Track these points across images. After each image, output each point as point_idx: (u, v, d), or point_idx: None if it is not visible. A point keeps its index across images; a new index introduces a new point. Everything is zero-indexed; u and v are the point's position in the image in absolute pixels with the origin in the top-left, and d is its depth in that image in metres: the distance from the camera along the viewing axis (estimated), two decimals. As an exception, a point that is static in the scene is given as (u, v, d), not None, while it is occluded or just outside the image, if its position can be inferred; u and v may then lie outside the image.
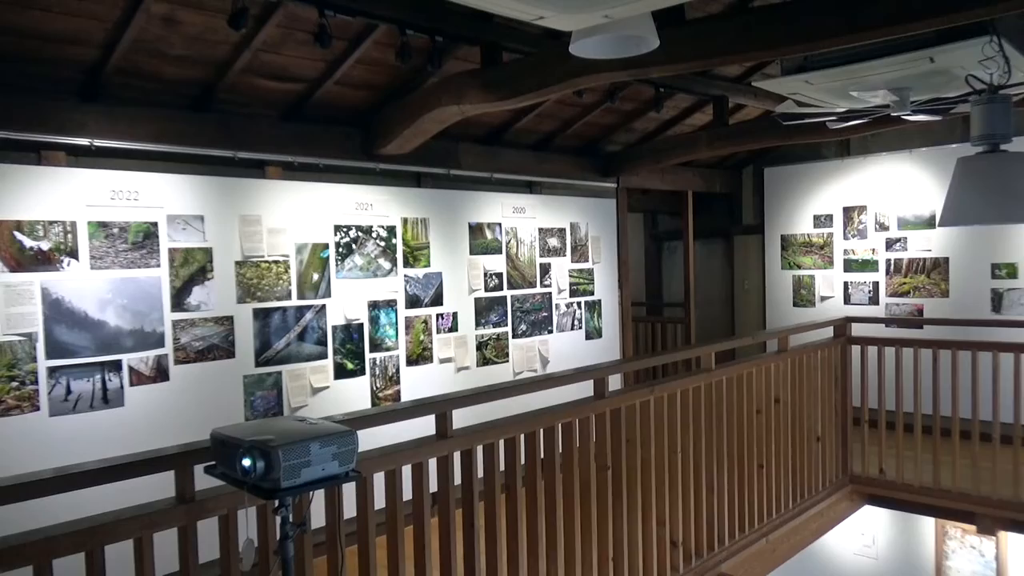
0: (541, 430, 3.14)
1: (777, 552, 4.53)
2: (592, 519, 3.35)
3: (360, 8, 3.64)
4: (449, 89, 4.09)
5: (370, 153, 4.75)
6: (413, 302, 5.06)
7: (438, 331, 5.20)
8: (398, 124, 4.48)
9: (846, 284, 7.10)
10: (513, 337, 5.72)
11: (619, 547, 3.48)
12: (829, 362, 5.07)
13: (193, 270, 4.04)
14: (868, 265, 6.95)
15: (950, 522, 5.78)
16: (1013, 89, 3.04)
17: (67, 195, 3.63)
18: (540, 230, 5.95)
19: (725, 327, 8.21)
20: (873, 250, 6.92)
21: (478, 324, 5.47)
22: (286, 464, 1.82)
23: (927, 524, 6.14)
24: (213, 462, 2.02)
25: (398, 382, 4.96)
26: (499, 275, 5.63)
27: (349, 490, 2.40)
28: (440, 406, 2.81)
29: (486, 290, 5.53)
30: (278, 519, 2.00)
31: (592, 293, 6.37)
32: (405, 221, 5.03)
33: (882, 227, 6.86)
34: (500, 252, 5.64)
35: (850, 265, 7.08)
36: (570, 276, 6.19)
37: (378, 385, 4.86)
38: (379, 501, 2.57)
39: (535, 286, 5.91)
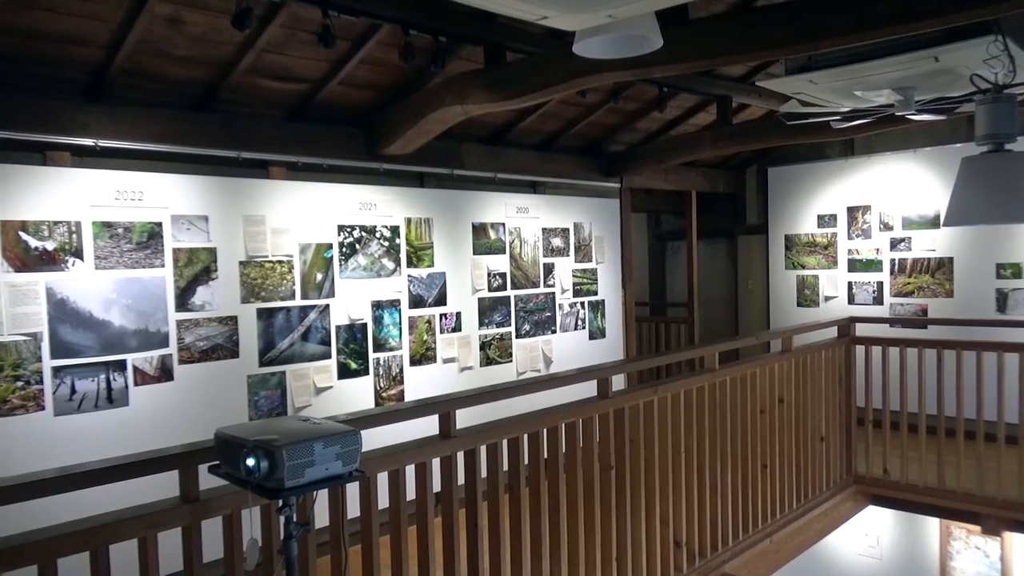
0: (544, 430, 3.14)
1: (781, 552, 4.52)
2: (596, 519, 3.35)
3: (364, 8, 3.64)
4: (452, 89, 4.09)
5: (374, 153, 4.76)
6: (417, 302, 5.07)
7: (442, 331, 5.21)
8: (401, 124, 4.48)
9: (850, 284, 7.09)
10: (516, 337, 5.72)
11: (623, 547, 3.48)
12: (833, 362, 5.06)
13: (197, 270, 4.05)
14: (872, 265, 6.94)
15: (954, 523, 5.77)
16: (1018, 88, 3.03)
17: (72, 195, 3.64)
18: (544, 230, 5.95)
19: (729, 327, 8.20)
20: (877, 250, 6.91)
21: (482, 324, 5.47)
22: (290, 464, 1.82)
23: (931, 525, 6.12)
24: (217, 462, 2.03)
25: (401, 382, 4.97)
26: (503, 275, 5.63)
27: (353, 490, 2.41)
28: (443, 406, 2.82)
29: (489, 290, 5.53)
30: (282, 519, 2.00)
31: (596, 293, 6.37)
32: (409, 221, 5.03)
33: (886, 227, 6.85)
34: (504, 252, 5.64)
35: (854, 265, 7.06)
36: (574, 276, 6.18)
37: (382, 385, 4.86)
38: (383, 501, 2.57)
39: (539, 286, 5.90)
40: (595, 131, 6.12)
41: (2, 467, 3.24)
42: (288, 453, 1.82)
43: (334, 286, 4.63)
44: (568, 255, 6.14)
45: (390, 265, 4.93)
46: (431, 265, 5.16)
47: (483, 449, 2.91)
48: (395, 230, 4.95)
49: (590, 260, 6.33)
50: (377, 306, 4.85)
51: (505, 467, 3.00)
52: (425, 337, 5.11)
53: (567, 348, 6.07)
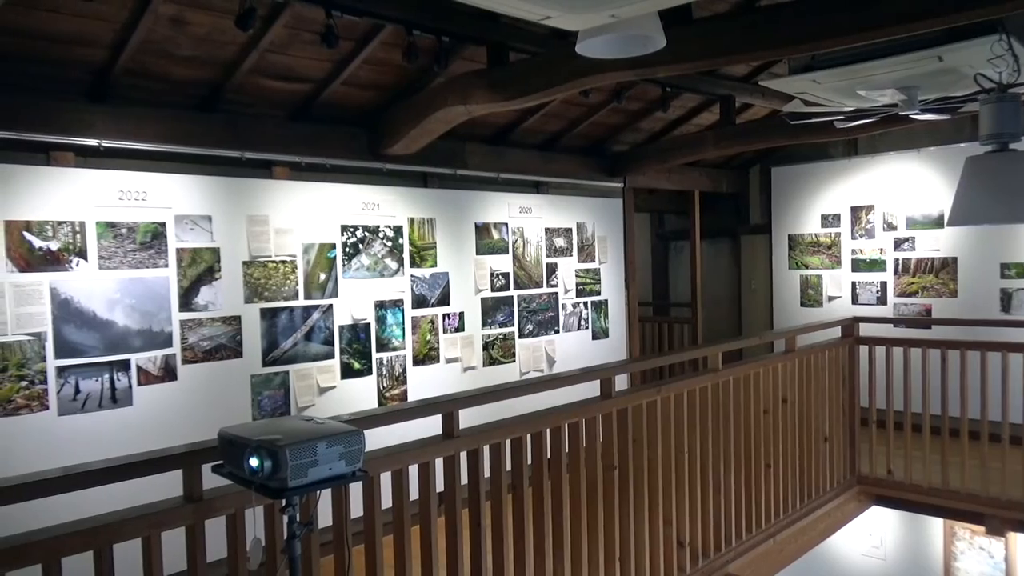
0: (548, 430, 3.14)
1: (784, 552, 4.52)
2: (599, 519, 3.35)
3: (367, 8, 3.65)
4: (455, 89, 4.09)
5: (377, 153, 4.76)
6: (420, 302, 5.07)
7: (445, 331, 5.21)
8: (404, 124, 4.48)
9: (854, 284, 7.08)
10: (519, 337, 5.72)
11: (626, 547, 3.48)
12: (837, 362, 5.05)
13: (201, 270, 4.05)
14: (876, 265, 6.93)
15: (959, 523, 5.75)
16: (1022, 88, 3.02)
17: (76, 195, 3.65)
18: (547, 230, 5.95)
19: (732, 327, 8.19)
20: (881, 250, 6.90)
21: (484, 324, 5.47)
22: (293, 463, 1.82)
23: (935, 525, 6.10)
24: (221, 461, 2.03)
25: (405, 382, 4.97)
26: (505, 275, 5.63)
27: (356, 489, 2.41)
28: (446, 406, 2.82)
29: (492, 290, 5.53)
30: (285, 518, 2.00)
31: (599, 293, 6.36)
32: (412, 221, 5.03)
33: (890, 227, 6.84)
34: (506, 252, 5.64)
35: (858, 265, 7.05)
36: (577, 276, 6.18)
37: (385, 385, 4.87)
38: (386, 500, 2.57)
39: (541, 286, 5.90)
40: (598, 131, 6.12)
41: (6, 467, 3.25)
42: (291, 453, 1.82)
43: (337, 286, 4.63)
44: (571, 255, 6.14)
45: (393, 265, 4.93)
46: (434, 265, 5.16)
47: (486, 449, 2.91)
48: (398, 230, 4.96)
49: (593, 260, 6.32)
50: (380, 306, 4.85)
51: (508, 467, 3.00)
52: (428, 337, 5.11)
53: (570, 348, 6.07)
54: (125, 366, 3.78)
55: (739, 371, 4.14)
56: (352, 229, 4.71)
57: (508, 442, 2.99)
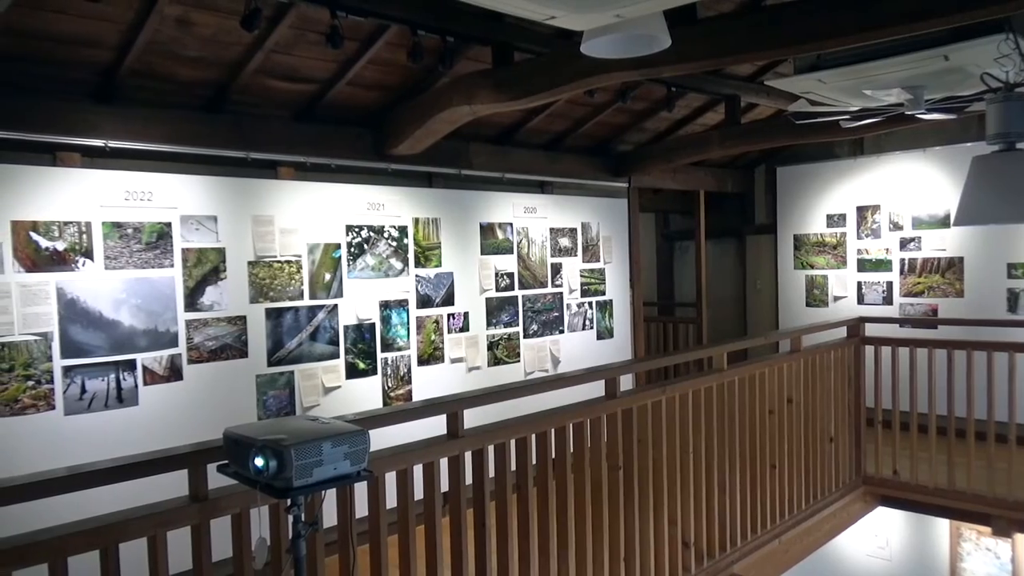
0: (552, 430, 3.14)
1: (790, 553, 4.51)
2: (603, 519, 3.34)
3: (371, 9, 3.65)
4: (460, 89, 4.09)
5: (382, 153, 4.77)
6: (424, 302, 5.07)
7: (449, 331, 5.21)
8: (409, 124, 4.49)
9: (859, 284, 7.06)
10: (524, 337, 5.72)
11: (630, 547, 3.47)
12: (842, 362, 5.04)
13: (206, 270, 4.06)
14: (882, 265, 6.91)
15: (965, 524, 5.73)
16: (1029, 87, 3.01)
17: (82, 196, 3.66)
18: (551, 230, 5.94)
19: (737, 327, 8.17)
20: (887, 250, 6.88)
21: (489, 324, 5.47)
22: (298, 463, 1.83)
23: (941, 526, 6.08)
24: (226, 461, 2.04)
25: (409, 382, 4.97)
26: (510, 275, 5.63)
27: (361, 489, 2.41)
28: (451, 406, 2.82)
29: (497, 290, 5.54)
30: (290, 518, 2.01)
31: (603, 293, 6.36)
32: (416, 221, 5.04)
33: (896, 226, 6.82)
34: (511, 252, 5.64)
35: (864, 265, 7.03)
36: (581, 276, 6.18)
37: (390, 385, 4.87)
38: (391, 500, 2.57)
39: (546, 286, 5.90)
40: (603, 131, 6.11)
41: (13, 466, 3.26)
42: (296, 453, 1.83)
43: (342, 286, 4.64)
44: (576, 255, 6.14)
45: (398, 265, 4.93)
46: (439, 265, 5.16)
47: (491, 449, 2.91)
48: (403, 230, 4.96)
49: (598, 260, 6.32)
50: (385, 306, 4.86)
51: (513, 467, 3.00)
52: (433, 337, 5.11)
53: (575, 348, 6.07)
54: (131, 366, 3.79)
55: (744, 371, 4.13)
56: (357, 229, 4.72)
57: (513, 442, 2.99)
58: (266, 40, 3.69)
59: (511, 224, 5.64)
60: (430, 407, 2.84)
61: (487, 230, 5.48)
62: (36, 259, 3.51)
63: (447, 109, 4.17)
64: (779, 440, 4.40)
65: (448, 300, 5.21)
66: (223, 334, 4.12)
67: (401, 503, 2.62)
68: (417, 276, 5.03)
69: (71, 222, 3.62)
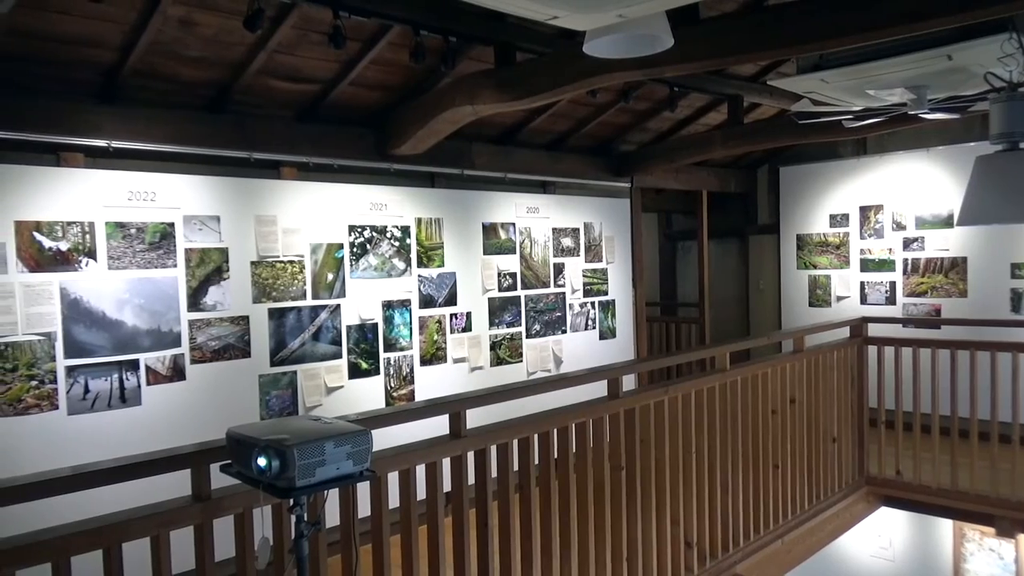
0: (555, 430, 3.14)
1: (792, 553, 4.50)
2: (606, 519, 3.34)
3: (374, 9, 3.65)
4: (463, 89, 4.09)
5: (384, 153, 4.77)
6: (427, 302, 5.08)
7: (452, 331, 5.21)
8: (412, 124, 4.49)
9: (862, 284, 7.05)
10: (527, 337, 5.72)
11: (633, 547, 3.47)
12: (845, 362, 5.03)
13: (209, 270, 4.07)
14: (885, 265, 6.90)
15: (968, 524, 5.72)
16: (1033, 86, 3.00)
17: (85, 196, 3.66)
18: (554, 230, 5.94)
19: (740, 327, 8.16)
20: (890, 250, 6.87)
21: (492, 324, 5.47)
22: (301, 463, 1.83)
23: (945, 526, 6.07)
24: (229, 461, 2.04)
25: (412, 382, 4.97)
26: (513, 275, 5.63)
27: (363, 489, 2.42)
28: (454, 406, 2.82)
29: (500, 290, 5.54)
30: (293, 518, 2.01)
31: (606, 293, 6.36)
32: (419, 221, 5.04)
33: (899, 226, 6.81)
34: (514, 252, 5.64)
35: (867, 265, 7.02)
36: (584, 276, 6.18)
37: (392, 385, 4.87)
38: (393, 500, 2.58)
39: (549, 286, 5.90)
40: (605, 131, 6.11)
41: (16, 466, 3.27)
42: (299, 452, 1.83)
43: (345, 286, 4.64)
44: (578, 255, 6.14)
45: (401, 265, 4.94)
46: (441, 265, 5.16)
47: (493, 449, 2.91)
48: (406, 230, 4.96)
49: (600, 260, 6.32)
50: (388, 306, 4.86)
51: (515, 467, 3.00)
52: (435, 337, 5.12)
53: (577, 348, 6.07)
54: (134, 366, 3.80)
55: (747, 371, 4.13)
56: (360, 229, 4.72)
57: (515, 442, 2.99)
58: (269, 40, 3.69)
59: (513, 224, 5.64)
60: (433, 407, 2.84)
61: (489, 230, 5.48)
62: (39, 259, 3.52)
63: (449, 109, 4.17)
64: (782, 440, 4.39)
65: (451, 300, 5.22)
66: (226, 334, 4.13)
67: (404, 503, 2.62)
68: (420, 276, 5.04)
69: (74, 222, 3.62)
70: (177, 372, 3.95)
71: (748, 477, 4.13)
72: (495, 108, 4.11)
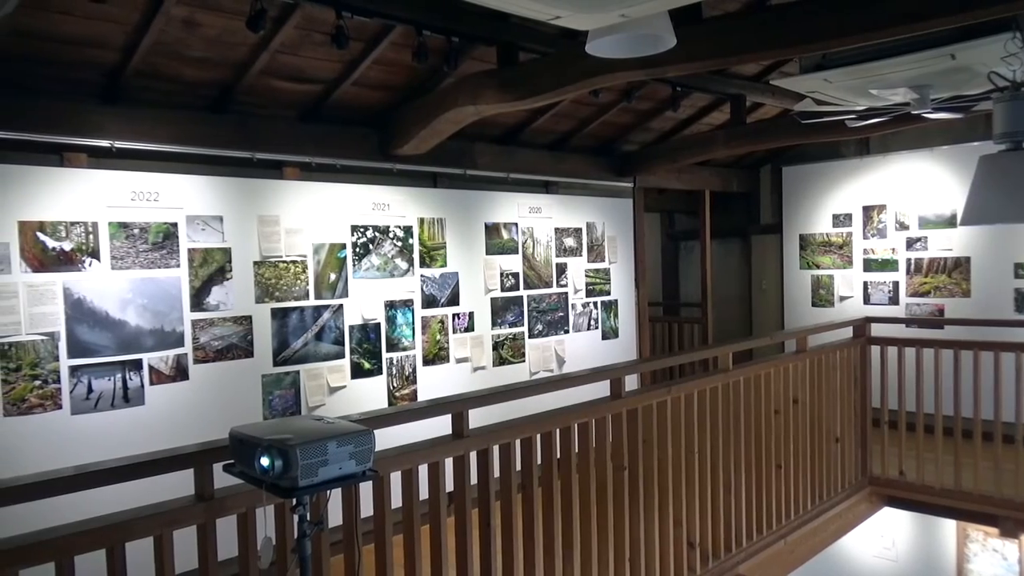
0: (557, 430, 3.14)
1: (795, 554, 4.49)
2: (608, 519, 3.34)
3: (377, 9, 3.65)
4: (465, 89, 4.09)
5: (387, 153, 4.77)
6: (430, 302, 5.08)
7: (454, 331, 5.21)
8: (414, 124, 4.49)
9: (866, 284, 7.04)
10: (529, 337, 5.72)
11: (636, 547, 3.47)
12: (848, 362, 5.02)
13: (212, 270, 4.07)
14: (888, 265, 6.89)
15: (972, 525, 5.71)
16: (1036, 86, 3.00)
17: (88, 196, 3.67)
18: (556, 230, 5.94)
19: (743, 327, 8.16)
20: (893, 249, 6.86)
21: (494, 324, 5.47)
22: (304, 463, 1.83)
23: (948, 527, 6.06)
24: (232, 461, 2.04)
25: (415, 382, 4.98)
26: (515, 275, 5.63)
27: (366, 489, 2.42)
28: (456, 406, 2.82)
29: (502, 290, 5.54)
30: (296, 517, 2.01)
31: (608, 293, 6.36)
32: (422, 221, 5.04)
33: (902, 226, 6.79)
34: (516, 252, 5.64)
35: (870, 265, 7.01)
36: (586, 276, 6.18)
37: (395, 385, 4.87)
38: (396, 500, 2.58)
39: (551, 286, 5.90)
40: (608, 131, 6.11)
41: (20, 465, 3.28)
42: (302, 452, 1.83)
43: (347, 286, 4.64)
44: (581, 255, 6.14)
45: (403, 265, 4.94)
46: (444, 265, 5.16)
47: (496, 449, 2.91)
48: (408, 230, 4.97)
49: (603, 260, 6.32)
50: (390, 306, 4.86)
51: (518, 467, 3.00)
52: (438, 337, 5.12)
53: (580, 348, 6.07)
54: (137, 366, 3.80)
55: (750, 371, 4.12)
56: (362, 229, 4.73)
57: (518, 442, 2.99)
58: (271, 41, 3.70)
59: (516, 224, 5.64)
60: (435, 407, 2.84)
61: (492, 230, 5.48)
62: (43, 259, 3.53)
63: (452, 109, 4.17)
64: (785, 440, 4.39)
65: (453, 300, 5.22)
66: (229, 334, 4.13)
67: (406, 503, 2.62)
68: (422, 276, 5.04)
69: (78, 222, 3.63)
70: (180, 372, 3.95)
71: (751, 477, 4.13)
72: (498, 108, 4.11)
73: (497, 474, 2.92)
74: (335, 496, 2.22)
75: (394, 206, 4.89)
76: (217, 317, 4.08)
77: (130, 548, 2.02)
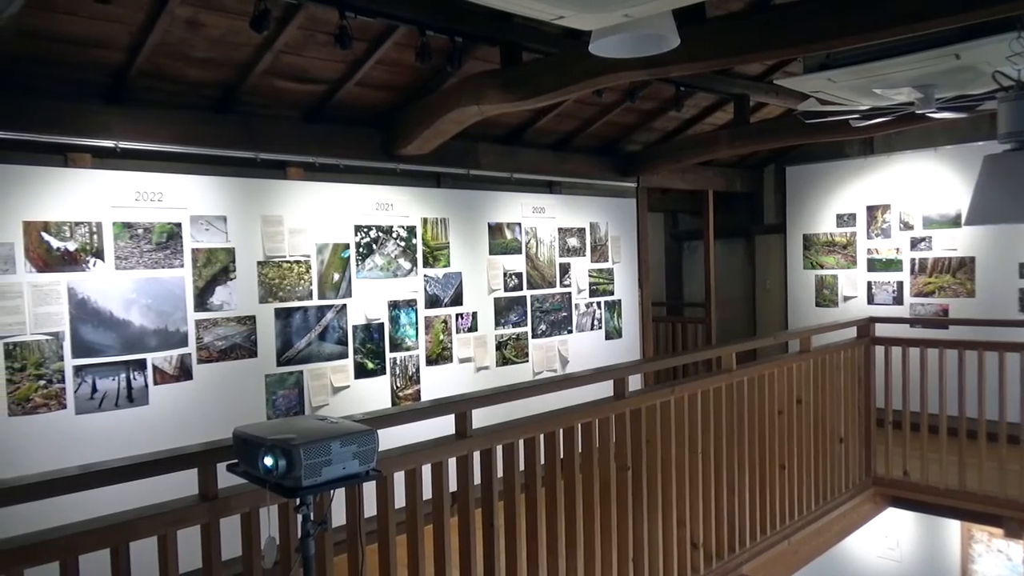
0: (560, 430, 3.14)
1: (799, 554, 4.49)
2: (612, 519, 3.34)
3: (380, 9, 3.66)
4: (468, 89, 4.09)
5: (390, 153, 4.77)
6: (433, 302, 5.08)
7: (458, 331, 5.22)
8: (418, 125, 4.49)
9: (870, 284, 7.02)
10: (533, 337, 5.72)
11: (639, 548, 3.47)
12: (852, 362, 5.01)
13: (216, 270, 4.08)
14: (892, 265, 6.87)
15: (976, 525, 5.70)
16: (1041, 85, 2.99)
17: (93, 196, 3.68)
18: (560, 230, 5.94)
19: (746, 327, 8.15)
20: (897, 249, 6.84)
21: (498, 324, 5.47)
22: (307, 463, 1.83)
23: (952, 527, 6.05)
24: (235, 460, 2.04)
25: (418, 382, 4.98)
26: (519, 275, 5.63)
27: (369, 489, 2.42)
28: (460, 406, 2.82)
29: (506, 290, 5.54)
30: (299, 517, 2.01)
31: (612, 293, 6.35)
32: (425, 221, 5.04)
33: (906, 226, 6.78)
34: (520, 252, 5.64)
35: (874, 265, 6.99)
36: (590, 276, 6.17)
37: (398, 385, 4.88)
38: (399, 500, 2.58)
39: (555, 286, 5.90)
40: (611, 131, 6.10)
41: (24, 465, 3.29)
42: (305, 452, 1.83)
43: (351, 286, 4.65)
44: (584, 255, 6.13)
45: (407, 265, 4.94)
46: (447, 265, 5.17)
47: (499, 449, 2.91)
48: (411, 230, 4.97)
49: (606, 260, 6.31)
50: (394, 306, 4.87)
51: (521, 467, 3.00)
52: (441, 337, 5.12)
53: (583, 348, 6.07)
54: (141, 365, 3.81)
55: (753, 371, 4.12)
56: (366, 229, 4.73)
57: (521, 442, 2.99)
58: (275, 41, 3.70)
59: (519, 224, 5.64)
60: (438, 407, 2.85)
61: (495, 230, 5.48)
62: (47, 259, 3.53)
63: (455, 109, 4.17)
64: (788, 441, 4.38)
65: (456, 300, 5.22)
66: (232, 334, 4.14)
67: (410, 503, 2.63)
68: (425, 276, 5.04)
69: (82, 222, 3.64)
70: (184, 372, 3.96)
71: (754, 477, 4.12)
72: (501, 108, 4.11)
73: (500, 474, 2.92)
74: (338, 496, 2.23)
75: (397, 206, 4.89)
76: (221, 317, 4.09)
77: (134, 548, 2.02)
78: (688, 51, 2.91)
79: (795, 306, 7.58)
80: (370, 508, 2.48)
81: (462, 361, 5.23)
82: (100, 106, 3.76)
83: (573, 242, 6.04)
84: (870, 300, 7.01)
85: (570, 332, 5.99)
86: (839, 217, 7.25)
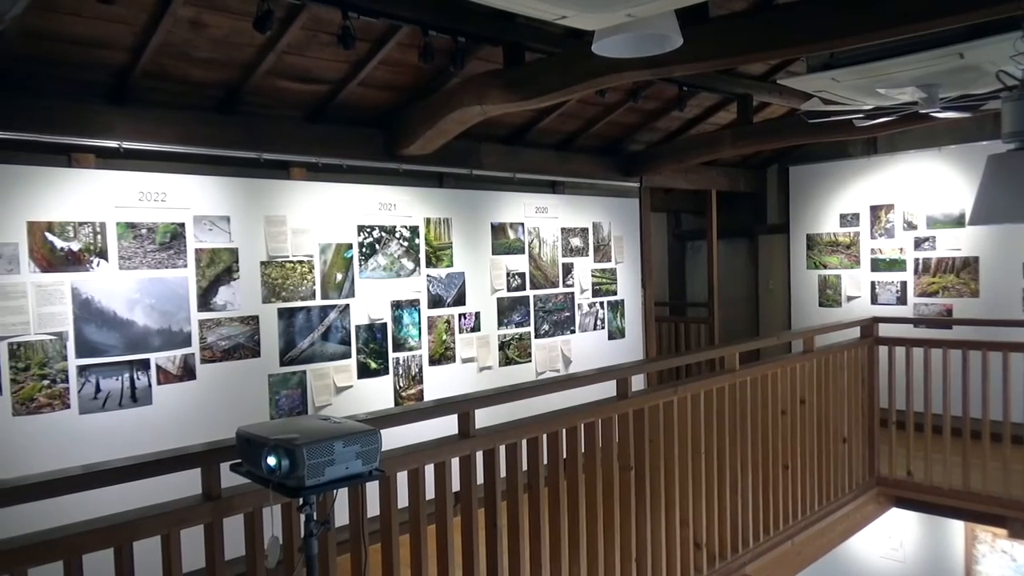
0: (563, 430, 3.13)
1: (802, 555, 4.48)
2: (615, 519, 3.34)
3: (383, 10, 3.66)
4: (471, 89, 4.09)
5: (393, 154, 4.78)
6: (436, 302, 5.08)
7: (461, 331, 5.22)
8: (420, 125, 4.49)
9: (873, 284, 7.01)
10: (535, 337, 5.72)
11: (642, 548, 3.46)
12: (856, 363, 5.00)
13: (219, 270, 4.09)
14: (896, 264, 6.86)
15: (980, 526, 5.68)
16: (1045, 85, 2.98)
17: (96, 196, 3.69)
18: (563, 230, 5.94)
19: (749, 327, 8.14)
20: (901, 249, 6.83)
21: (500, 324, 5.47)
22: (310, 462, 1.83)
23: (956, 528, 6.03)
24: (239, 460, 2.05)
25: (421, 382, 4.98)
26: (521, 275, 5.63)
27: (372, 489, 2.42)
28: (462, 406, 2.82)
29: (508, 290, 5.54)
30: (302, 517, 2.02)
31: (615, 293, 6.35)
32: (428, 221, 5.05)
33: (910, 226, 6.77)
34: (522, 252, 5.64)
35: (877, 265, 6.98)
36: (593, 276, 6.17)
37: (401, 384, 4.88)
38: (402, 500, 2.58)
39: (558, 286, 5.90)
40: (614, 130, 6.10)
41: (28, 465, 3.30)
42: (309, 452, 1.83)
43: (354, 286, 4.65)
44: (587, 255, 6.13)
45: (409, 265, 4.94)
46: (450, 265, 5.17)
47: (502, 449, 2.91)
48: (414, 230, 4.97)
49: (609, 260, 6.31)
50: (397, 306, 4.87)
51: (524, 467, 3.00)
52: (444, 337, 5.12)
53: (586, 348, 6.06)
54: (145, 365, 3.82)
55: (756, 371, 4.11)
56: (368, 229, 4.73)
57: (524, 442, 2.99)
58: (278, 41, 3.70)
59: (522, 224, 5.64)
60: (441, 407, 2.85)
61: (498, 230, 5.48)
62: (51, 259, 3.54)
63: (458, 109, 4.18)
64: (792, 441, 4.38)
65: (459, 300, 5.22)
66: (236, 334, 4.14)
67: (413, 503, 2.63)
68: (428, 276, 5.04)
69: (86, 222, 3.65)
70: (187, 372, 3.96)
71: (757, 478, 4.12)
72: (504, 108, 4.11)
73: (503, 474, 2.92)
74: (341, 495, 2.23)
75: (400, 206, 4.90)
76: (224, 317, 4.09)
77: (138, 547, 2.03)
78: (691, 51, 2.90)
79: (798, 306, 7.57)
80: (373, 508, 2.49)
81: (465, 361, 5.24)
82: (103, 106, 3.77)
83: (576, 242, 6.04)
84: (874, 300, 7.00)
85: (573, 332, 5.99)
86: (842, 217, 7.23)
